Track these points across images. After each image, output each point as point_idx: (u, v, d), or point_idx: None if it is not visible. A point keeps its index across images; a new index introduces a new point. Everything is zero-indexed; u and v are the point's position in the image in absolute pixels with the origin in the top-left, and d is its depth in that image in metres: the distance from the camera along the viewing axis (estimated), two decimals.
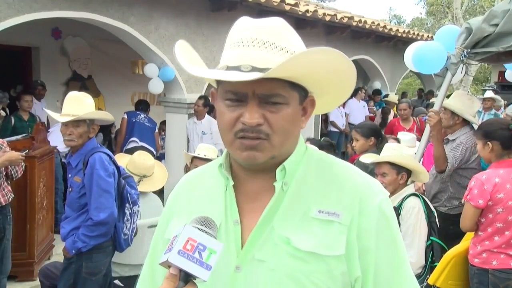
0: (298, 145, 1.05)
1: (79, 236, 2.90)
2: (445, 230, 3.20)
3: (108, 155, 2.98)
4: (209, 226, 0.89)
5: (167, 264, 0.85)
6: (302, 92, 1.00)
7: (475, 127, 3.86)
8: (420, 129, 6.46)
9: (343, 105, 9.20)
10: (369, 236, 0.98)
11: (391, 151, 3.00)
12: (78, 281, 2.99)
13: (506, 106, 8.19)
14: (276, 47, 0.94)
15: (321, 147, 4.85)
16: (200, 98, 6.28)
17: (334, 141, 6.76)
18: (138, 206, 3.19)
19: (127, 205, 3.07)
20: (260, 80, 0.90)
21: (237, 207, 1.03)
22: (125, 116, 6.74)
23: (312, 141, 5.03)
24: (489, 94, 8.20)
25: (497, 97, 7.91)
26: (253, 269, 0.98)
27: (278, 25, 0.97)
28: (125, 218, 3.07)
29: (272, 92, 0.93)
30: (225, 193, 1.04)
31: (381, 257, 0.98)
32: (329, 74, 0.97)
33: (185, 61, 1.02)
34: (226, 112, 0.96)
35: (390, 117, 9.15)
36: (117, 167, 3.05)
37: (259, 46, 0.93)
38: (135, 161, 3.68)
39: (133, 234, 3.19)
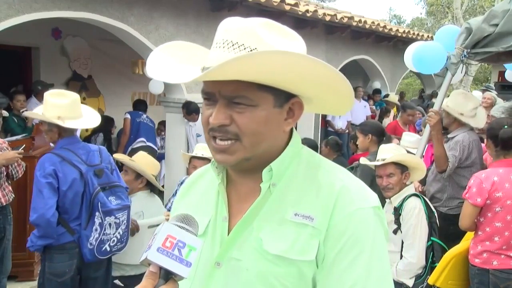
0: (290, 146, 1.04)
1: (30, 236, 2.95)
2: (445, 230, 3.21)
3: (61, 156, 2.92)
4: (189, 223, 0.89)
5: (147, 262, 0.84)
6: (281, 95, 0.97)
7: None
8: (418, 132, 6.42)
9: None
10: (333, 243, 0.94)
11: (393, 151, 3.02)
12: (44, 281, 3.01)
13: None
14: (245, 48, 0.92)
15: (328, 144, 4.96)
16: (182, 107, 6.23)
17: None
18: (116, 218, 3.05)
19: (96, 213, 2.96)
20: (225, 81, 0.92)
21: (227, 204, 1.04)
22: (128, 116, 6.77)
23: (303, 140, 5.07)
24: (488, 93, 8.15)
25: (493, 94, 7.88)
26: (231, 267, 1.00)
27: (253, 25, 0.94)
28: (94, 227, 2.96)
29: (236, 94, 0.94)
30: (218, 190, 1.07)
31: (341, 267, 0.93)
32: (304, 77, 0.94)
33: (158, 62, 1.03)
34: (204, 110, 1.01)
35: (390, 116, 9.15)
36: (81, 172, 2.95)
37: (228, 47, 0.94)
38: (154, 163, 3.72)
39: (105, 247, 3.02)
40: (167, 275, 0.84)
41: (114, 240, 3.05)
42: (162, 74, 1.02)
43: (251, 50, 0.92)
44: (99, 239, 2.97)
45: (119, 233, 3.07)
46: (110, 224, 3.01)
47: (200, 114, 6.43)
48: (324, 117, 9.48)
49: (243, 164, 0.99)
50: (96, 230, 2.96)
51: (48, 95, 3.01)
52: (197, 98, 6.38)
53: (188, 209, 1.00)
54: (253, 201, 1.01)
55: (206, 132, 0.99)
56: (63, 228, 2.94)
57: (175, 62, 1.04)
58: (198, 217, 0.97)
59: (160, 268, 0.83)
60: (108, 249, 3.04)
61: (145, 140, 6.69)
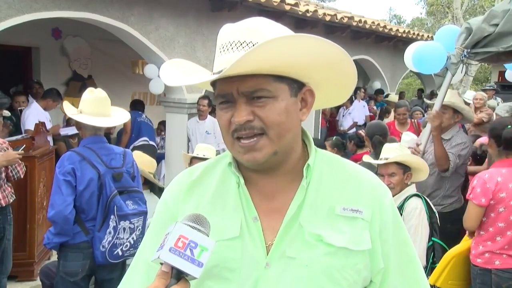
0: (310, 142, 1.09)
1: (47, 233, 2.96)
2: (442, 229, 3.19)
3: (81, 155, 2.92)
4: (201, 223, 0.89)
5: (158, 262, 0.85)
6: (294, 84, 1.00)
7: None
8: (417, 132, 6.31)
9: (345, 105, 9.25)
10: (387, 229, 1.05)
11: (396, 152, 3.02)
12: (58, 279, 3.01)
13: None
14: (254, 44, 0.95)
15: (335, 146, 5.02)
16: (204, 98, 6.29)
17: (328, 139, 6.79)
18: (130, 223, 3.00)
19: (112, 217, 2.93)
20: (242, 78, 0.94)
21: (253, 205, 1.03)
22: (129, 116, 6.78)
23: (315, 141, 5.12)
24: (479, 94, 8.07)
25: (484, 94, 7.85)
26: (284, 266, 0.99)
27: (254, 24, 0.98)
28: (108, 230, 2.93)
29: (254, 88, 0.95)
30: (238, 190, 1.05)
31: (398, 248, 1.06)
32: (314, 60, 0.97)
33: (170, 73, 1.06)
34: (221, 115, 1.00)
35: (390, 116, 9.14)
36: (99, 173, 2.94)
37: (237, 47, 0.96)
38: (151, 161, 3.77)
39: (117, 251, 2.97)
40: (179, 275, 0.84)
41: (127, 245, 3.00)
42: (178, 80, 1.05)
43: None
44: (111, 242, 2.94)
45: (132, 238, 3.02)
46: (124, 229, 2.97)
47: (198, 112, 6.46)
48: (324, 117, 9.48)
49: (271, 160, 0.99)
50: (109, 233, 2.93)
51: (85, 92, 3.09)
52: (196, 98, 6.39)
53: (199, 210, 0.98)
54: (281, 199, 1.03)
55: (229, 135, 0.99)
56: (78, 227, 2.94)
57: (184, 72, 1.08)
58: (219, 218, 0.98)
59: (172, 267, 0.84)
60: (120, 253, 2.99)
61: (147, 139, 6.71)
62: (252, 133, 0.96)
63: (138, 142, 6.60)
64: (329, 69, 1.01)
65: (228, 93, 0.97)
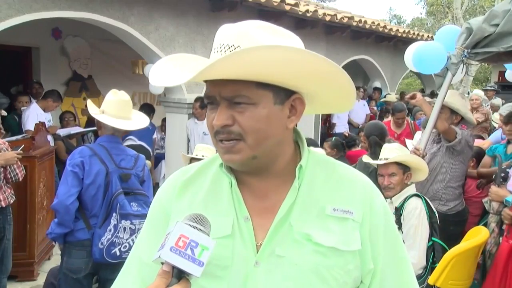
0: (302, 143, 1.09)
1: (51, 223, 2.99)
2: (444, 230, 3.18)
3: (93, 150, 2.99)
4: (202, 223, 0.89)
5: (159, 261, 0.86)
6: (281, 92, 0.99)
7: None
8: (412, 133, 6.25)
9: None
10: (378, 231, 1.05)
11: (396, 152, 3.01)
12: (61, 276, 3.02)
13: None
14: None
15: (335, 146, 5.05)
16: (196, 100, 6.21)
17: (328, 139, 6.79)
18: (132, 224, 2.99)
19: (113, 214, 2.94)
20: (224, 82, 0.95)
21: (245, 205, 1.04)
22: None
23: (309, 141, 5.11)
24: (475, 95, 8.06)
25: (480, 94, 7.81)
26: (273, 264, 1.00)
27: (247, 28, 0.96)
28: (108, 228, 2.93)
29: (234, 94, 0.96)
30: (231, 190, 1.06)
31: (387, 250, 1.07)
32: (298, 71, 0.95)
33: (160, 71, 1.04)
34: (208, 115, 1.02)
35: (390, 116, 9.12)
36: (107, 171, 2.96)
37: (224, 51, 0.96)
38: None
39: (115, 250, 2.95)
40: (180, 274, 0.85)
41: (126, 246, 2.98)
42: (160, 79, 1.04)
43: None
44: (110, 240, 2.94)
45: (132, 240, 2.99)
46: (124, 228, 2.97)
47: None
48: (324, 117, 9.48)
49: (250, 163, 1.00)
50: (109, 230, 2.94)
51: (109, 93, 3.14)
52: None
53: (194, 209, 1.00)
54: (273, 199, 1.04)
55: (213, 135, 1.01)
56: (83, 224, 2.96)
57: (176, 69, 1.06)
58: (212, 217, 0.99)
59: (173, 267, 0.85)
60: (118, 253, 2.96)
61: (134, 139, 6.54)
62: (230, 137, 0.98)
63: (124, 142, 6.46)
64: (319, 79, 0.99)
65: (212, 95, 0.99)
